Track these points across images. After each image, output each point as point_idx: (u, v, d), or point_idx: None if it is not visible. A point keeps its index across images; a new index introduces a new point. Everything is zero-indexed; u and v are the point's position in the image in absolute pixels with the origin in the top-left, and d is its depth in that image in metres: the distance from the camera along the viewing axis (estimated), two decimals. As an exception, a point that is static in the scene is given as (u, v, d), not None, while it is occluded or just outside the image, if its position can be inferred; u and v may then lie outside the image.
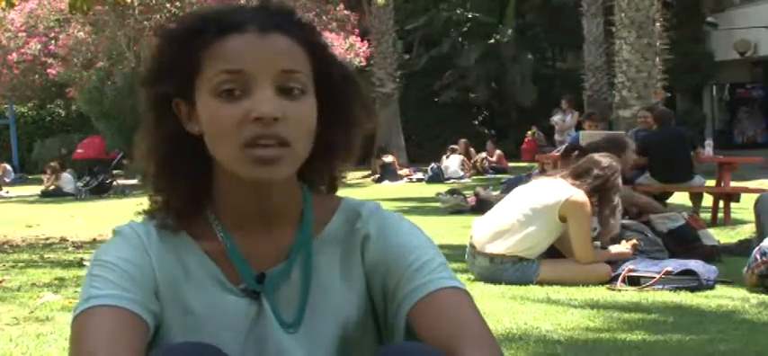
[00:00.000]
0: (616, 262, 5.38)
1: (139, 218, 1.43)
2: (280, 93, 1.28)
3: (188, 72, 1.31)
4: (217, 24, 1.31)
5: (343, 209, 1.45)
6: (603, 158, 5.44)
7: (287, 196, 1.39)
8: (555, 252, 5.44)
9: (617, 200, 5.39)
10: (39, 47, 21.73)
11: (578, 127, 14.84)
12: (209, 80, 1.29)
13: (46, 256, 7.36)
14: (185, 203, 1.38)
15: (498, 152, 20.52)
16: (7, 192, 19.46)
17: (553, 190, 5.31)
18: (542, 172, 9.76)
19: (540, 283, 5.25)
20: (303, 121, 1.30)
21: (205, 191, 1.39)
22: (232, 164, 1.30)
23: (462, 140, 20.50)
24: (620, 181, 5.44)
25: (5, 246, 8.43)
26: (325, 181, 1.45)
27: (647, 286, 5.12)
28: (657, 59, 15.45)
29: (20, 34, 21.85)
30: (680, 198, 10.30)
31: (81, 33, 20.85)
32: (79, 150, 19.51)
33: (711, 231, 7.09)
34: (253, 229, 1.39)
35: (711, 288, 5.14)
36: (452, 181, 17.66)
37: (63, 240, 8.79)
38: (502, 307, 4.55)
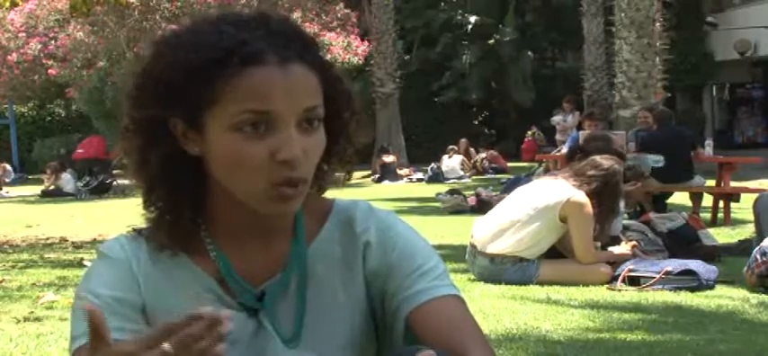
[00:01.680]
0: (616, 262, 5.38)
1: (129, 233, 1.40)
2: (300, 128, 1.26)
3: (199, 101, 1.26)
4: (239, 57, 1.24)
5: (336, 213, 1.44)
6: (605, 160, 5.43)
7: None
8: (555, 252, 5.44)
9: (618, 201, 5.39)
10: (39, 47, 21.75)
11: (579, 127, 14.85)
12: (230, 116, 1.25)
13: (46, 256, 7.36)
14: (178, 221, 1.35)
15: (492, 151, 20.52)
16: (7, 192, 19.45)
17: (554, 190, 5.31)
18: (547, 171, 9.75)
19: (541, 283, 5.25)
20: (318, 152, 1.30)
21: (199, 207, 1.36)
22: (249, 197, 1.29)
23: (462, 140, 20.49)
24: (621, 183, 5.44)
25: (5, 246, 8.43)
26: (317, 186, 1.42)
27: (647, 286, 5.12)
28: (657, 59, 15.44)
29: (20, 34, 21.87)
30: (680, 198, 10.30)
31: (81, 33, 20.85)
32: (79, 150, 19.49)
33: (711, 231, 7.10)
34: (248, 242, 1.37)
35: (711, 288, 5.14)
36: (452, 181, 17.65)
37: (63, 240, 8.79)
38: (502, 307, 4.55)
